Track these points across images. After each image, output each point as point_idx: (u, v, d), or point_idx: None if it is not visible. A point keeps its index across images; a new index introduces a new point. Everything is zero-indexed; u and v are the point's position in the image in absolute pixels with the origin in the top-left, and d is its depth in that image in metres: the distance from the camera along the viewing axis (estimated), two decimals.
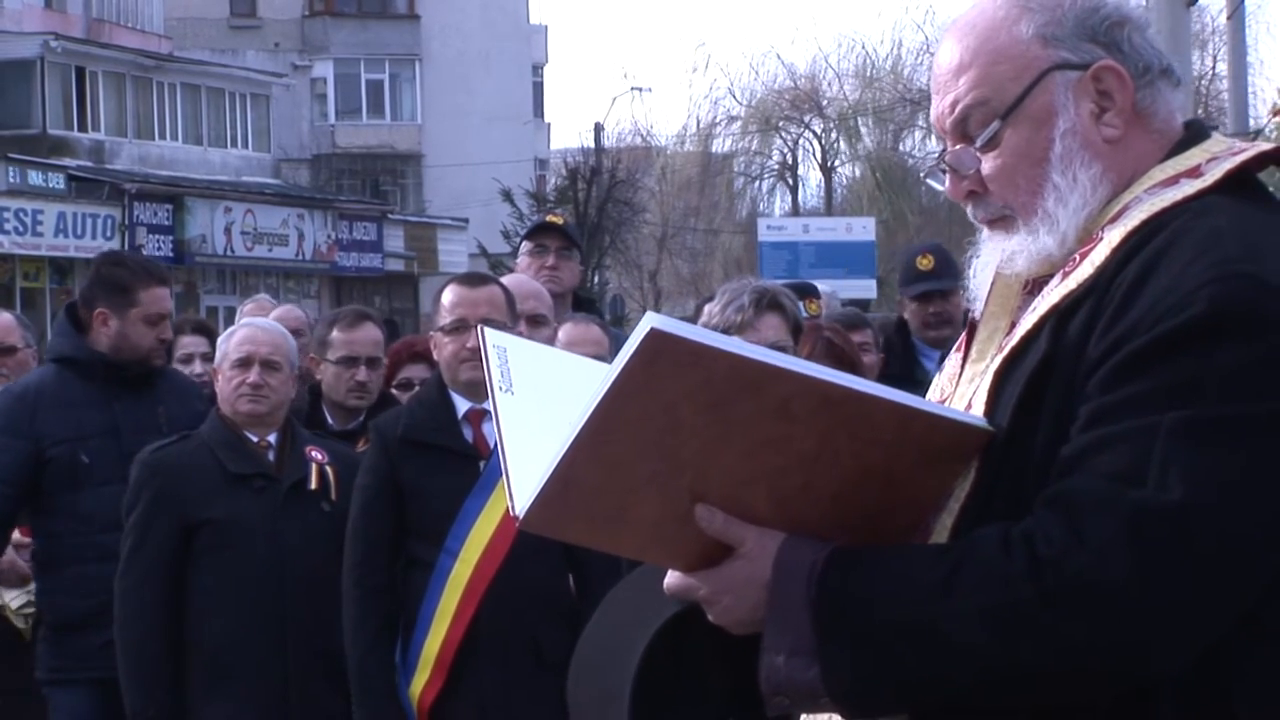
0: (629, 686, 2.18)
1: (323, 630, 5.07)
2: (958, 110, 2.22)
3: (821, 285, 9.35)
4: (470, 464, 4.95)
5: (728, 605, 2.10)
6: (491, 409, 2.25)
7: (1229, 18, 17.82)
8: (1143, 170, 2.17)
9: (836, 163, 50.15)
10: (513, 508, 2.06)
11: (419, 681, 4.90)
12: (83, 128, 37.95)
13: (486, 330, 2.41)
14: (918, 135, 49.63)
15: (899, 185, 48.52)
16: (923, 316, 6.62)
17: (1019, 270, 2.21)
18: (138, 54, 39.75)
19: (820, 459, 2.03)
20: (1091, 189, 2.16)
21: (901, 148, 49.70)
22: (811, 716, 2.18)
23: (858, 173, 49.64)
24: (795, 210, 48.61)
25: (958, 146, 2.23)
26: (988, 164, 2.20)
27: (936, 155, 2.29)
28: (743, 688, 2.14)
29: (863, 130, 49.72)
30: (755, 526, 2.07)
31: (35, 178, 34.53)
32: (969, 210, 2.26)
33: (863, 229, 39.36)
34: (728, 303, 4.77)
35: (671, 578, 2.14)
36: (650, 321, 1.92)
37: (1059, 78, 2.17)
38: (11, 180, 33.92)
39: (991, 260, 2.25)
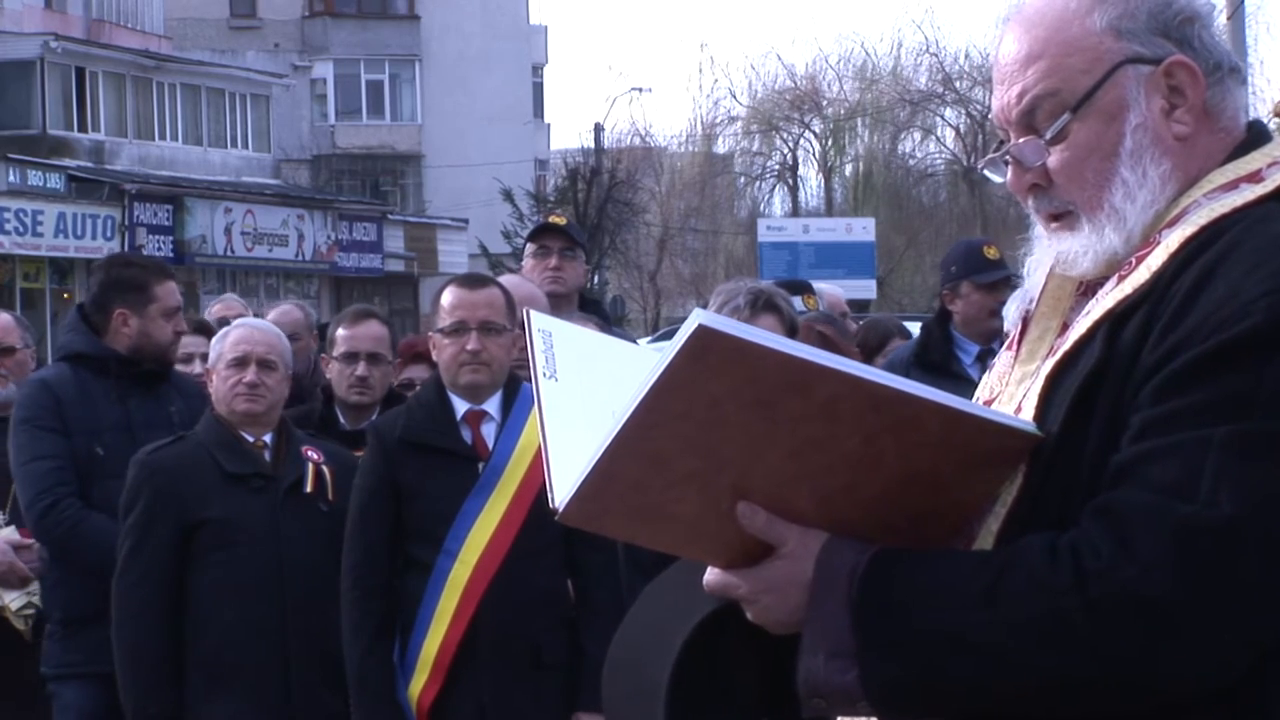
0: (666, 683, 2.16)
1: (322, 630, 5.07)
2: (1025, 101, 2.17)
3: (829, 286, 9.37)
4: (469, 465, 4.95)
5: (768, 605, 2.08)
6: (535, 395, 2.21)
7: (1229, 18, 17.81)
8: (1208, 170, 2.14)
9: (837, 163, 50.17)
10: (552, 499, 2.04)
11: (418, 682, 4.90)
12: (83, 128, 37.96)
13: (532, 314, 2.35)
14: (917, 136, 49.68)
15: (899, 186, 48.54)
16: (990, 305, 6.67)
17: (1083, 271, 2.17)
18: (138, 54, 39.75)
19: (865, 460, 2.01)
20: (1160, 186, 2.13)
21: (901, 149, 49.72)
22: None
23: (859, 173, 49.65)
24: (795, 211, 48.62)
25: (1023, 139, 2.18)
26: (1054, 157, 2.16)
27: (995, 147, 2.25)
28: (778, 688, 2.13)
29: (862, 131, 49.75)
30: (797, 526, 2.05)
31: (35, 178, 34.54)
32: (1029, 204, 2.22)
33: (863, 229, 39.39)
34: (723, 304, 4.76)
35: (711, 575, 2.12)
36: (697, 318, 1.90)
37: (1131, 71, 2.13)
38: (11, 180, 33.93)
39: (1047, 258, 2.22)
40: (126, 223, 35.49)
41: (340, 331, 6.15)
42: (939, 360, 6.52)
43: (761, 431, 1.98)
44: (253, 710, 5.18)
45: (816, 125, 50.10)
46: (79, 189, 35.31)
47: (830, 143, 50.07)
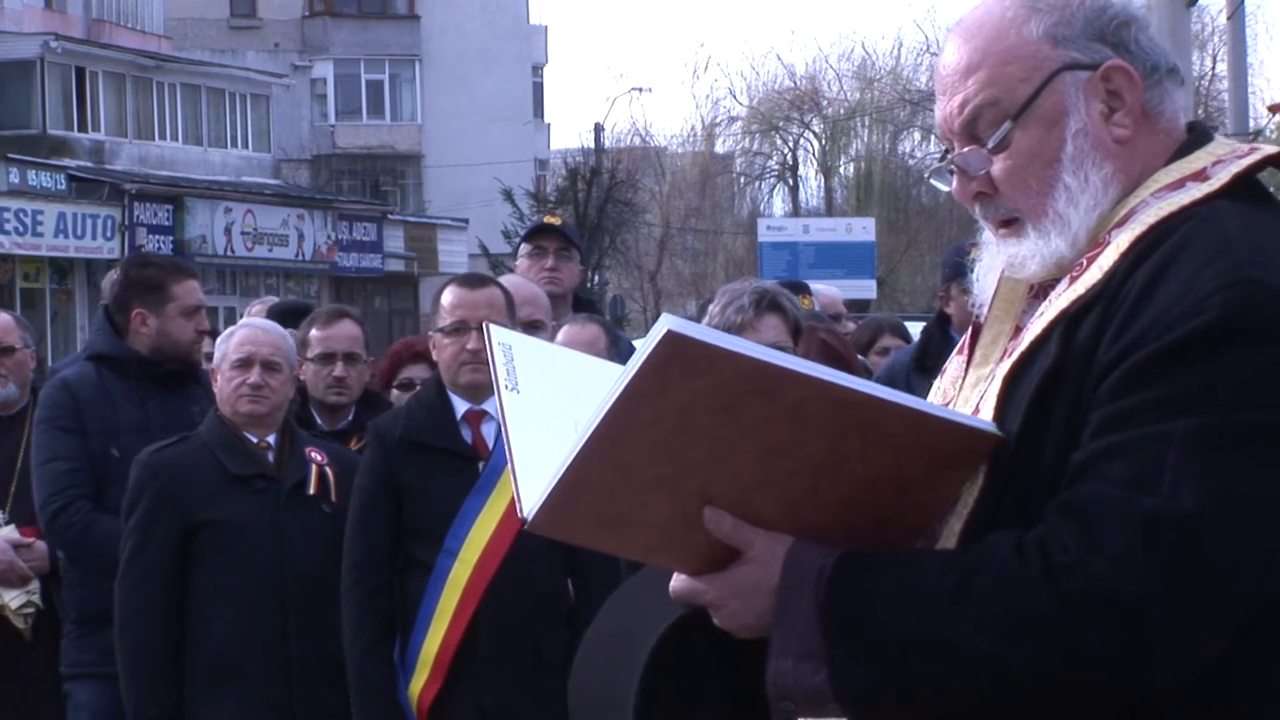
0: (634, 691, 2.17)
1: (324, 631, 5.07)
2: (967, 111, 2.19)
3: (824, 286, 9.36)
4: (469, 465, 4.95)
5: (734, 610, 2.09)
6: (498, 407, 2.24)
7: (1229, 18, 17.83)
8: (1150, 170, 2.16)
9: (837, 163, 50.20)
10: (520, 510, 2.05)
11: (418, 682, 4.90)
12: (83, 128, 37.95)
13: (492, 328, 2.39)
14: (917, 136, 49.69)
15: (899, 186, 48.57)
16: None
17: (1031, 275, 2.19)
18: (138, 54, 39.74)
19: (830, 463, 2.03)
20: (1103, 189, 2.15)
21: (901, 149, 49.75)
22: None
23: (859, 173, 49.65)
24: (795, 211, 48.62)
25: (966, 148, 2.21)
26: (998, 166, 2.19)
27: (940, 156, 2.27)
28: (745, 692, 2.14)
29: (861, 131, 49.76)
30: (764, 530, 2.06)
31: (35, 178, 34.53)
32: (976, 212, 2.24)
33: (863, 229, 39.36)
34: (727, 304, 4.75)
35: (677, 581, 2.14)
36: (666, 323, 1.92)
37: (1069, 78, 2.16)
38: (11, 180, 33.92)
39: (997, 263, 2.24)
40: (126, 223, 35.48)
41: (314, 332, 6.13)
42: (938, 364, 6.50)
43: (729, 436, 1.99)
44: (254, 711, 5.18)
45: (816, 125, 50.12)
46: (79, 189, 35.29)
47: (830, 143, 50.08)
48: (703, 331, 1.93)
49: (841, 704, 2.02)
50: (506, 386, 2.26)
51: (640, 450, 1.98)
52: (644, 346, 1.93)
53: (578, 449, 1.97)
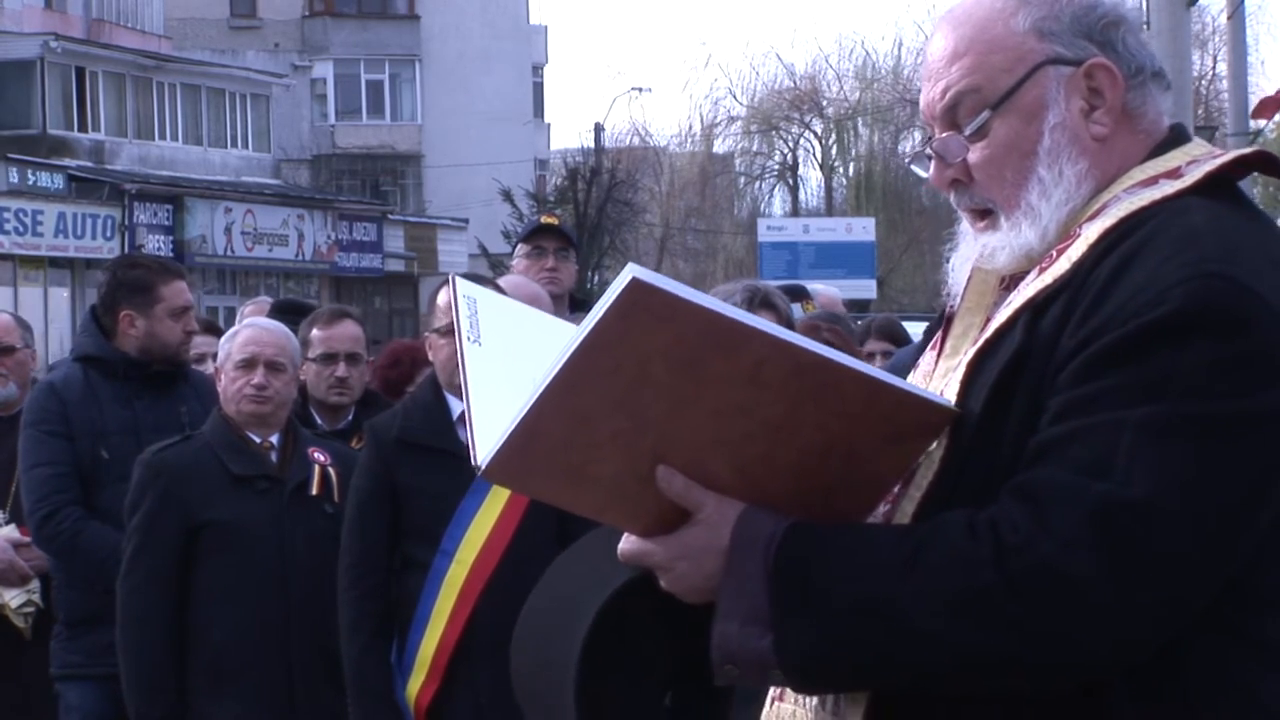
0: (576, 654, 2.15)
1: (326, 631, 5.06)
2: (948, 97, 2.21)
3: (824, 286, 9.37)
4: (466, 465, 4.91)
5: (682, 571, 2.09)
6: (459, 357, 2.24)
7: (1229, 18, 17.86)
8: (1126, 169, 2.18)
9: (837, 163, 50.21)
10: (474, 457, 2.05)
11: (415, 682, 4.90)
12: (83, 128, 37.95)
13: (458, 279, 2.40)
14: (917, 136, 49.69)
15: (899, 186, 48.59)
16: None
17: (1000, 266, 2.21)
18: (138, 54, 39.75)
19: (785, 428, 2.03)
20: (1076, 184, 2.16)
21: (901, 149, 49.76)
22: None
23: (859, 173, 49.66)
24: (795, 210, 48.64)
25: (945, 134, 2.22)
26: (975, 154, 2.20)
27: (923, 143, 2.29)
28: (688, 660, 2.13)
29: (862, 131, 49.78)
30: (715, 493, 2.06)
31: (35, 178, 34.53)
32: (952, 199, 2.26)
33: (863, 229, 39.39)
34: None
35: (626, 543, 2.13)
36: (631, 271, 1.91)
37: (1052, 72, 2.17)
38: (11, 180, 33.93)
39: (970, 254, 2.26)
40: (126, 223, 35.49)
41: (315, 333, 6.14)
42: None
43: (686, 393, 1.99)
44: (256, 711, 5.18)
45: (816, 125, 50.15)
46: (79, 189, 35.30)
47: (831, 142, 50.11)
48: (667, 282, 1.93)
49: (785, 670, 2.02)
50: (469, 338, 2.26)
51: (598, 401, 1.97)
52: (608, 294, 1.92)
53: (536, 395, 1.96)
